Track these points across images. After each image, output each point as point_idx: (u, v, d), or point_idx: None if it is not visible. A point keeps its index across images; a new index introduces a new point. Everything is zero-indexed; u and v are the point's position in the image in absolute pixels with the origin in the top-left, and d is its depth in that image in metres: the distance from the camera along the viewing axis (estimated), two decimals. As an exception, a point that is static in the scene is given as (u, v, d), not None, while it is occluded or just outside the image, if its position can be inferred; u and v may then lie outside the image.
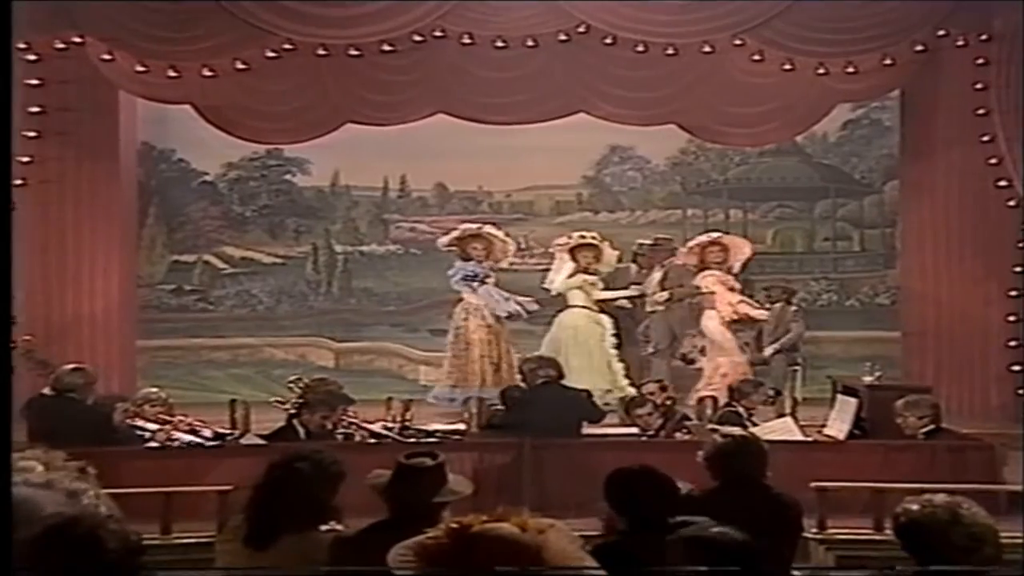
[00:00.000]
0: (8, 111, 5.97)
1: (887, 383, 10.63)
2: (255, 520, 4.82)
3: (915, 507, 4.06)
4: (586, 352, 11.62)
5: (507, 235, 12.29)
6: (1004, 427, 10.79)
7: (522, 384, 10.14)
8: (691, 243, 12.29)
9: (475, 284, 11.94)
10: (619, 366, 11.80)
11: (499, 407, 10.16)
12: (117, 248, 12.60)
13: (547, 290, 12.29)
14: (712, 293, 11.89)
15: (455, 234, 12.08)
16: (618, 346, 11.98)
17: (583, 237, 12.18)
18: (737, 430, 6.36)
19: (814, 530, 7.83)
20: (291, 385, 10.30)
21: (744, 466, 5.77)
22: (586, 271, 12.03)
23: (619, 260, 12.43)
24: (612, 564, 3.48)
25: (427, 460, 4.90)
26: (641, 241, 13.09)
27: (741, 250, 12.22)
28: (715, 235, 12.29)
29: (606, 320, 11.99)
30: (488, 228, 12.17)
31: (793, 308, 12.95)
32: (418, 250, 14.74)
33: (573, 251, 12.10)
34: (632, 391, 11.23)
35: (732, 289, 11.98)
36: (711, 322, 11.91)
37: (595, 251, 12.08)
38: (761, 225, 14.79)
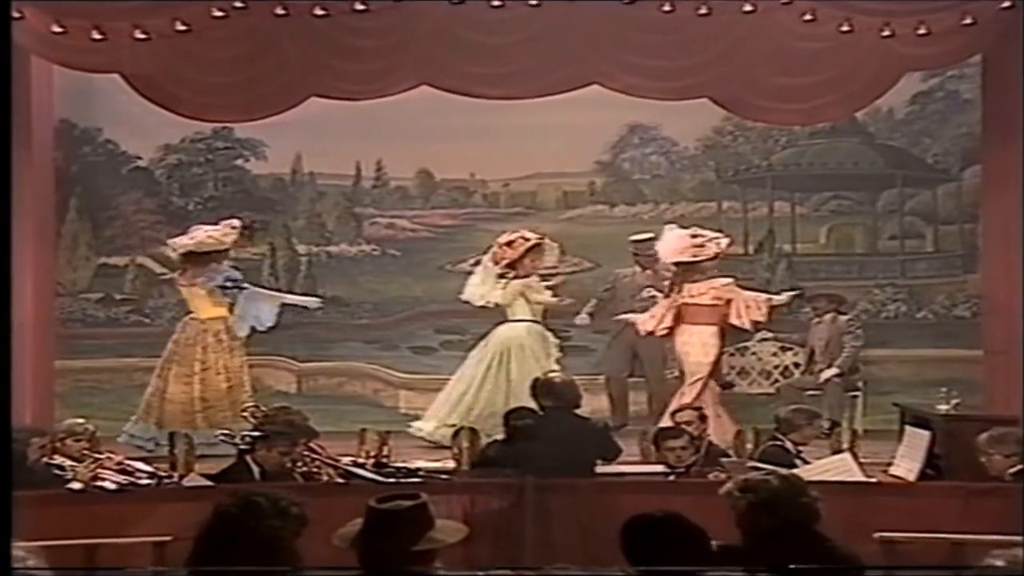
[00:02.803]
0: (8, 111, 6.04)
1: (966, 413, 10.64)
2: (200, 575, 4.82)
3: (1001, 563, 4.05)
4: (533, 371, 11.61)
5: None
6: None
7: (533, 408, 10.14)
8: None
9: (235, 291, 12.09)
10: None
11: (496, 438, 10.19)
12: (31, 249, 12.59)
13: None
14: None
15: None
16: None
17: (526, 239, 12.23)
18: (779, 469, 6.33)
19: (879, 590, 7.82)
20: (244, 414, 10.32)
21: (795, 509, 5.75)
22: (516, 274, 12.03)
23: (563, 254, 12.42)
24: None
25: (403, 502, 4.93)
26: (635, 237, 13.08)
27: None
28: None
29: (551, 337, 12.05)
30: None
31: (846, 318, 12.98)
32: (397, 251, 14.76)
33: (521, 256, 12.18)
34: None
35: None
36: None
37: (540, 252, 12.16)
38: (813, 220, 14.80)
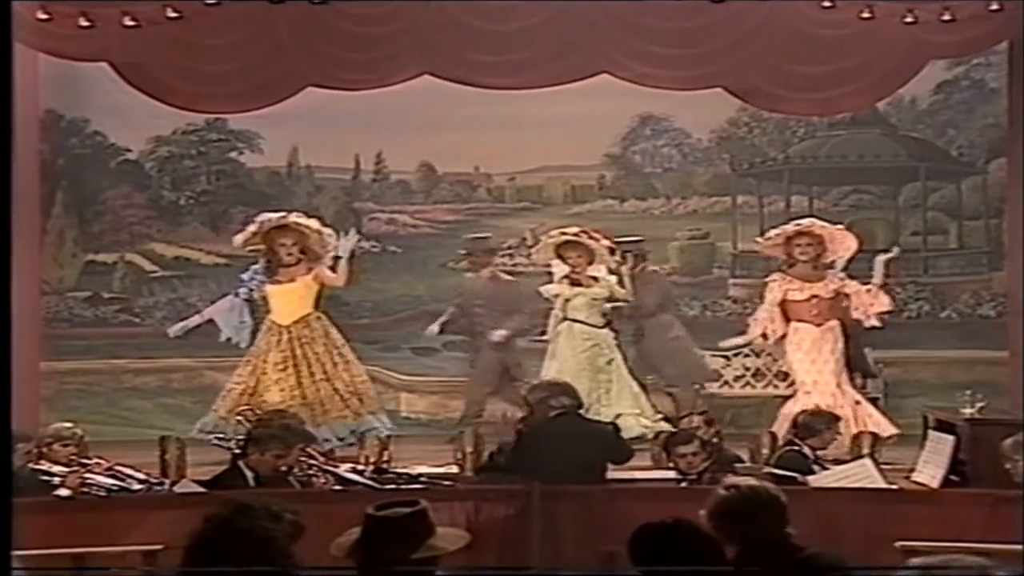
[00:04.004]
0: (8, 111, 6.09)
1: (992, 417, 10.62)
2: (190, 586, 4.84)
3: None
4: (573, 375, 11.64)
5: (325, 225, 11.85)
6: None
7: (530, 416, 10.15)
8: (773, 232, 12.18)
9: (241, 292, 11.82)
10: (609, 396, 11.87)
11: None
12: (15, 245, 12.58)
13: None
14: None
15: (252, 228, 11.64)
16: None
17: (551, 236, 12.17)
18: (744, 480, 6.29)
19: (901, 600, 7.81)
20: (239, 418, 10.33)
21: (753, 526, 5.69)
22: (574, 278, 12.02)
23: (612, 254, 12.31)
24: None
25: (401, 509, 4.99)
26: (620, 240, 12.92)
27: (842, 243, 12.05)
28: (804, 223, 12.14)
29: (604, 336, 12.02)
30: (295, 217, 11.70)
31: None
32: (398, 247, 14.77)
33: (558, 251, 12.10)
34: (659, 424, 11.50)
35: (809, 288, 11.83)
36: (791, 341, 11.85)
37: (580, 249, 12.04)
38: (832, 215, 14.67)
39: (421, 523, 4.96)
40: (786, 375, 13.23)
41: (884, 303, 11.89)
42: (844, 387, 11.64)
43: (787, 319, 11.80)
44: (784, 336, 11.80)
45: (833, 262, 11.90)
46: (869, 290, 11.85)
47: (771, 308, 11.79)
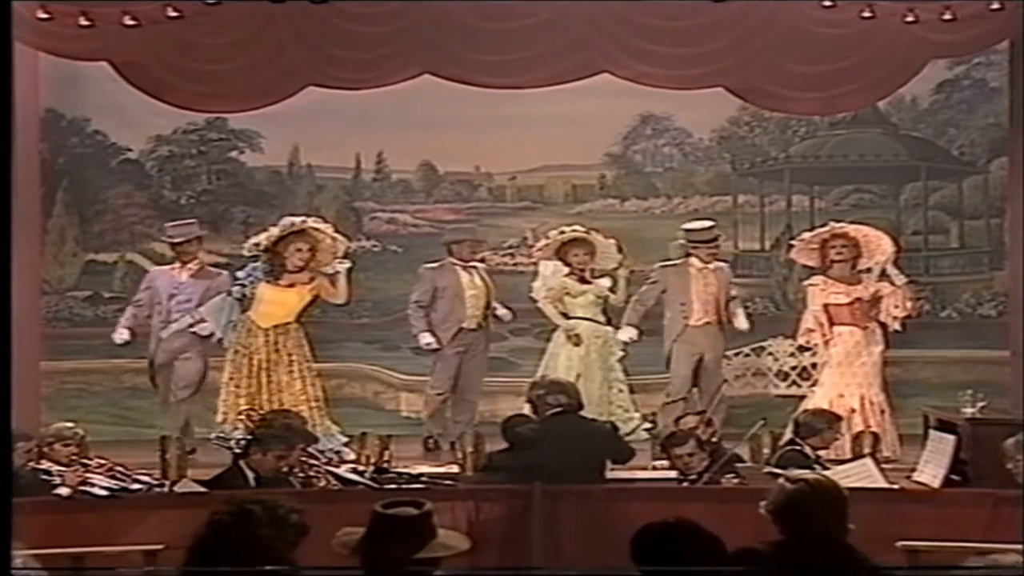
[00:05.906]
0: (8, 111, 6.11)
1: (993, 416, 10.62)
2: (192, 586, 4.85)
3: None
4: (584, 374, 11.70)
5: (338, 231, 11.91)
6: None
7: (531, 415, 10.15)
8: (808, 235, 12.15)
9: (235, 291, 11.82)
10: (622, 396, 11.94)
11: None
12: (15, 245, 12.57)
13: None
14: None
15: (275, 232, 11.58)
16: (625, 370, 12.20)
17: (563, 232, 12.33)
18: (809, 473, 6.31)
19: (903, 601, 7.81)
20: (241, 418, 10.33)
21: (820, 520, 5.71)
22: (581, 275, 12.12)
23: (620, 252, 12.39)
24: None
25: (410, 509, 5.03)
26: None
27: (877, 247, 12.00)
28: (838, 226, 12.07)
29: (612, 334, 12.08)
30: (313, 223, 11.75)
31: None
32: (399, 247, 14.77)
33: (560, 252, 12.27)
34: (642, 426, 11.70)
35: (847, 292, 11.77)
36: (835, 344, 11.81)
37: (586, 246, 12.16)
38: (833, 215, 14.71)
39: (426, 525, 4.99)
40: (786, 375, 13.27)
41: (910, 306, 11.86)
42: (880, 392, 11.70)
43: (831, 323, 11.76)
44: (829, 340, 11.78)
45: (870, 268, 11.87)
46: (898, 291, 11.80)
47: (818, 312, 11.75)
